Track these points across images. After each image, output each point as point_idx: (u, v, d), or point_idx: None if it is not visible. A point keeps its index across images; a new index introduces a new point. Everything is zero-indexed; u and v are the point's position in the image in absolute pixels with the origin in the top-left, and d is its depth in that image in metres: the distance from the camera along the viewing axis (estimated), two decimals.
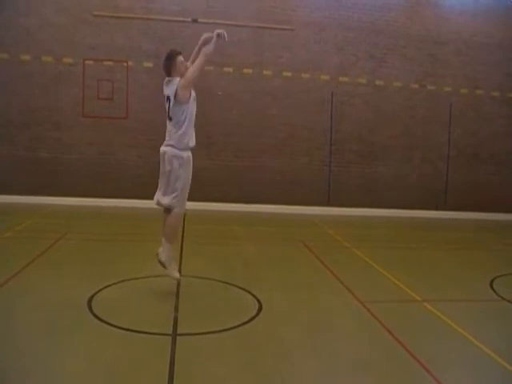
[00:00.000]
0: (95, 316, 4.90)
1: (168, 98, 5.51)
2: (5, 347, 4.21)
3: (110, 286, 5.84)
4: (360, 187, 13.31)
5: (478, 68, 13.67)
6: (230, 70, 12.61)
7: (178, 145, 5.48)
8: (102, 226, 9.70)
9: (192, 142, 5.59)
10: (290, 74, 12.90)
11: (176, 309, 5.23)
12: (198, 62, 5.55)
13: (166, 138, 5.59)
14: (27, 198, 11.45)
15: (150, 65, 12.27)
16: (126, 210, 11.09)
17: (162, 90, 5.68)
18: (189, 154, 5.57)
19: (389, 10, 13.17)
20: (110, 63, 12.20)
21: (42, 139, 12.08)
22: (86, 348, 4.24)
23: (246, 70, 12.70)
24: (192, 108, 5.55)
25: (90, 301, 5.29)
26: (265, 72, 12.81)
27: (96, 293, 5.55)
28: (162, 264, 5.57)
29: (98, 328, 4.66)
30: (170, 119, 5.54)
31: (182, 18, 12.26)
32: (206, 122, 12.23)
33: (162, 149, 5.59)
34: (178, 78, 5.48)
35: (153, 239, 6.61)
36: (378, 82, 13.30)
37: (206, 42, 5.77)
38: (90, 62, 12.10)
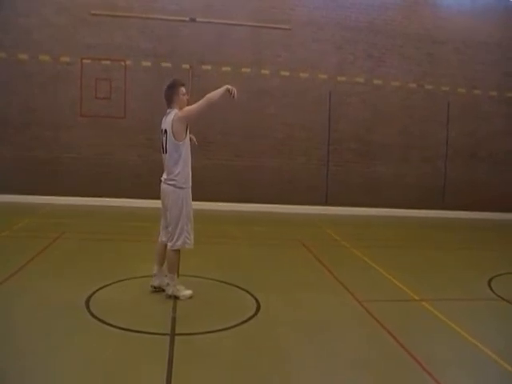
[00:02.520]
0: (93, 316, 4.89)
1: (165, 132, 5.44)
2: (3, 347, 4.20)
3: (108, 285, 5.84)
4: (358, 186, 13.31)
5: (476, 67, 13.68)
6: (228, 69, 12.59)
7: (173, 182, 5.44)
8: (101, 226, 9.69)
9: (188, 183, 5.53)
10: (288, 74, 12.90)
11: (174, 309, 5.23)
12: (200, 103, 5.44)
13: (164, 174, 5.55)
14: (25, 198, 11.44)
15: (149, 64, 12.26)
16: (125, 209, 11.08)
17: (161, 123, 5.61)
18: (182, 192, 5.48)
19: (386, 10, 13.18)
20: (108, 62, 12.19)
21: (40, 139, 12.06)
22: (85, 348, 4.24)
23: (244, 69, 12.69)
24: (187, 148, 5.47)
25: (87, 300, 5.29)
26: (263, 71, 12.81)
27: (94, 292, 5.54)
28: (172, 296, 5.52)
29: (96, 328, 4.65)
30: (166, 151, 5.48)
31: (180, 17, 12.29)
32: (203, 121, 12.23)
33: (162, 186, 5.56)
34: (176, 110, 5.43)
35: (151, 239, 6.59)
36: (376, 82, 13.30)
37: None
38: (88, 61, 12.08)
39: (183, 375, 3.85)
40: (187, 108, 5.44)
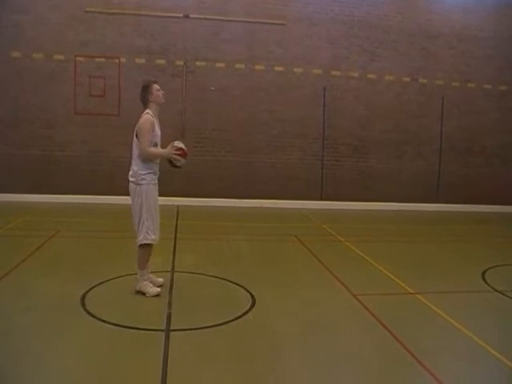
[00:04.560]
0: (89, 313, 4.90)
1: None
2: None
3: (103, 282, 5.85)
4: (353, 181, 13.36)
5: (469, 61, 13.72)
6: (223, 65, 12.60)
7: (134, 178, 5.44)
8: (95, 224, 9.70)
9: (147, 179, 5.43)
10: (282, 69, 12.91)
11: (169, 304, 5.25)
12: (143, 146, 5.34)
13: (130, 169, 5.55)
14: (19, 196, 11.44)
15: (143, 61, 12.25)
16: (120, 207, 11.03)
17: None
18: (143, 187, 5.40)
19: (380, 4, 13.20)
20: (102, 60, 12.17)
21: (33, 137, 12.05)
22: (80, 344, 4.25)
23: (238, 65, 12.70)
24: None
25: (83, 298, 5.30)
26: (257, 67, 12.81)
27: (89, 290, 5.56)
28: (140, 292, 5.52)
29: (91, 325, 4.66)
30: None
31: (173, 14, 12.28)
32: (198, 117, 12.27)
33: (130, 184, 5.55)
34: (146, 110, 5.44)
35: None
36: (370, 76, 13.32)
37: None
38: (82, 59, 12.07)
39: (179, 371, 3.86)
40: (144, 134, 5.33)
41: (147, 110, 5.46)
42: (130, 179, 5.48)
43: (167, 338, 4.42)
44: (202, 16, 12.35)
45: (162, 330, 4.57)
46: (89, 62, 12.11)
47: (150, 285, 5.58)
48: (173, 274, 6.26)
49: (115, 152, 12.10)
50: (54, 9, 11.88)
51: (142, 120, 5.38)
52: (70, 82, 12.02)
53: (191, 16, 12.32)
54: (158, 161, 5.52)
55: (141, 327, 4.61)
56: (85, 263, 6.71)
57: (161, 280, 5.76)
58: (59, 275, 6.11)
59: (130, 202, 5.55)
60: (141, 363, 3.98)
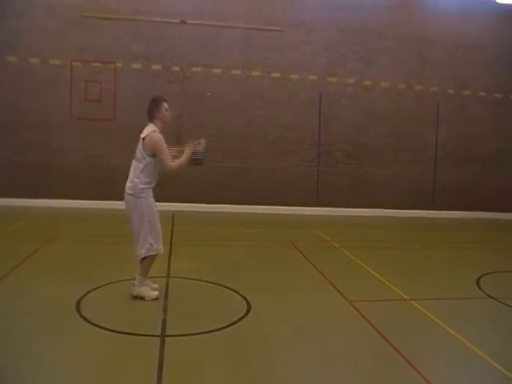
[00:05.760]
0: (84, 318, 4.89)
1: (140, 139, 5.46)
2: None
3: (98, 287, 5.85)
4: (349, 187, 13.38)
5: (465, 69, 13.81)
6: (219, 70, 12.63)
7: (134, 191, 5.42)
8: (92, 229, 9.68)
9: (146, 192, 5.44)
10: (278, 75, 12.96)
11: (165, 310, 5.24)
12: (168, 161, 5.35)
13: (127, 181, 5.52)
14: (17, 201, 11.42)
15: (139, 66, 12.27)
16: (116, 211, 10.98)
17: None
18: (143, 201, 5.41)
19: (377, 11, 13.26)
20: (98, 64, 12.18)
21: (30, 141, 12.03)
22: (75, 350, 4.24)
23: (234, 71, 12.73)
24: (153, 165, 5.43)
25: (78, 303, 5.29)
26: (253, 73, 12.85)
27: (85, 295, 5.55)
28: (138, 297, 5.53)
29: (86, 330, 4.65)
30: (134, 158, 5.50)
31: (170, 20, 12.30)
32: (194, 123, 12.27)
33: (124, 196, 5.53)
34: (153, 127, 5.42)
35: None
36: (366, 83, 13.38)
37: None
38: (78, 64, 12.07)
39: (174, 377, 3.86)
40: (162, 149, 5.34)
41: (153, 127, 5.43)
42: (128, 191, 5.46)
43: (162, 343, 4.42)
44: (199, 22, 12.38)
45: (158, 336, 4.56)
46: (85, 66, 12.12)
47: (149, 289, 5.59)
48: (168, 280, 6.25)
49: (112, 156, 12.10)
50: (50, 14, 11.90)
51: (153, 139, 5.33)
52: (67, 87, 12.02)
53: (188, 22, 12.35)
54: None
55: (136, 333, 4.60)
56: (81, 268, 6.70)
57: (156, 286, 5.76)
58: (55, 280, 6.10)
59: (125, 209, 5.54)
60: (136, 369, 3.97)
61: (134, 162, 5.51)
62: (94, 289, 5.78)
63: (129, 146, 12.82)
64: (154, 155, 5.37)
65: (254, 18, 12.63)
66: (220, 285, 6.23)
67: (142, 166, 5.41)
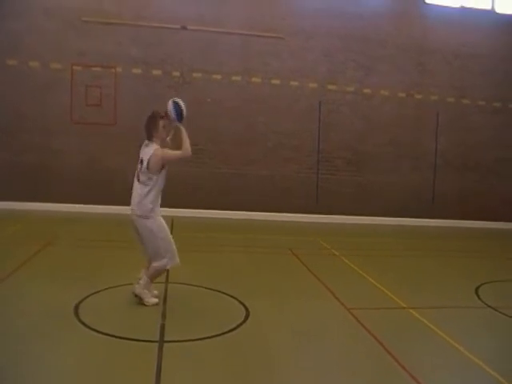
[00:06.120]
0: (82, 323, 4.88)
1: (141, 161, 5.41)
2: None
3: (97, 292, 5.83)
4: (348, 195, 13.38)
5: (465, 78, 13.84)
6: (219, 77, 12.65)
7: (142, 212, 5.37)
8: (91, 233, 9.67)
9: (157, 209, 5.44)
10: (278, 82, 12.97)
11: (163, 316, 5.23)
12: (179, 154, 5.42)
13: (132, 202, 5.48)
14: (15, 204, 11.38)
15: (139, 71, 12.28)
16: (115, 216, 11.03)
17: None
18: (153, 220, 5.40)
19: (377, 20, 13.29)
20: (99, 69, 12.18)
21: (30, 145, 12.00)
22: (72, 355, 4.22)
23: (234, 78, 12.75)
24: (161, 179, 5.44)
25: (76, 307, 5.27)
26: (253, 79, 12.87)
27: (83, 299, 5.53)
28: (137, 296, 5.54)
29: (84, 335, 4.64)
30: (138, 181, 5.45)
31: (171, 25, 12.33)
32: (194, 129, 12.24)
33: (131, 217, 5.48)
34: (155, 145, 5.38)
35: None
36: (365, 91, 13.40)
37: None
38: (79, 68, 12.08)
39: (172, 383, 3.85)
40: (168, 153, 5.39)
41: (154, 146, 5.38)
42: (137, 213, 5.39)
43: (161, 349, 4.41)
44: (200, 28, 12.41)
45: (156, 342, 4.55)
46: (85, 71, 12.12)
47: (150, 294, 5.58)
48: (167, 286, 6.23)
49: (111, 161, 12.10)
50: (50, 17, 11.90)
51: (158, 155, 5.30)
52: (67, 91, 12.00)
53: (188, 28, 12.38)
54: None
55: (134, 338, 4.59)
56: (80, 272, 6.68)
57: (156, 293, 5.74)
58: (53, 284, 6.08)
59: (132, 228, 5.53)
60: (134, 375, 3.96)
61: (138, 185, 5.44)
62: (93, 293, 5.76)
63: (129, 151, 12.87)
64: (163, 167, 5.37)
65: (255, 24, 12.66)
66: (219, 291, 6.23)
67: (149, 187, 5.36)
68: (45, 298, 5.58)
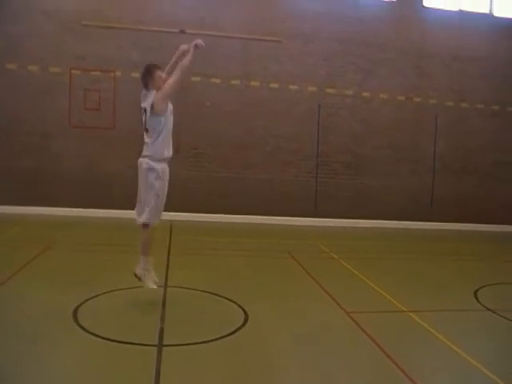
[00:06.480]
0: (81, 327, 4.87)
1: (144, 111, 5.49)
2: None
3: (96, 296, 5.82)
4: (347, 198, 13.38)
5: (463, 81, 13.86)
6: (218, 80, 12.66)
7: (154, 155, 5.45)
8: (90, 237, 9.65)
9: (168, 152, 5.56)
10: (277, 86, 12.98)
11: (162, 320, 5.22)
12: (175, 76, 5.52)
13: (143, 150, 5.57)
14: (14, 208, 11.37)
15: (138, 75, 12.24)
16: (114, 220, 11.04)
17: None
18: (163, 166, 5.52)
19: (376, 23, 13.32)
20: (98, 73, 12.18)
21: (29, 149, 11.98)
22: (71, 359, 4.21)
23: (233, 81, 12.76)
24: (169, 120, 5.55)
25: (75, 311, 5.26)
26: (252, 83, 12.88)
27: (82, 303, 5.52)
28: (137, 277, 5.57)
29: (83, 339, 4.63)
30: (147, 131, 5.53)
31: (169, 29, 12.33)
32: (193, 132, 12.29)
33: (139, 160, 5.56)
34: (154, 91, 5.48)
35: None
36: (364, 94, 13.41)
37: (184, 53, 5.73)
38: (78, 72, 12.08)
39: None
40: (165, 88, 5.45)
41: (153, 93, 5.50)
42: (148, 153, 5.47)
43: (159, 353, 4.40)
44: (198, 32, 12.38)
45: (155, 346, 4.54)
46: (84, 75, 12.12)
47: (150, 279, 5.60)
48: (166, 289, 6.22)
49: (110, 165, 12.09)
50: (50, 21, 11.90)
51: (157, 94, 5.44)
52: (66, 95, 12.00)
53: (187, 31, 12.37)
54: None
55: (133, 342, 4.58)
56: (77, 276, 6.67)
57: (157, 280, 5.75)
58: (52, 288, 6.08)
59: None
60: (132, 379, 3.95)
61: (147, 134, 5.53)
62: (92, 297, 5.75)
63: (128, 155, 12.87)
64: (170, 95, 5.50)
65: (254, 28, 12.67)
66: (218, 295, 6.22)
67: (158, 130, 5.44)
68: (44, 301, 5.57)
